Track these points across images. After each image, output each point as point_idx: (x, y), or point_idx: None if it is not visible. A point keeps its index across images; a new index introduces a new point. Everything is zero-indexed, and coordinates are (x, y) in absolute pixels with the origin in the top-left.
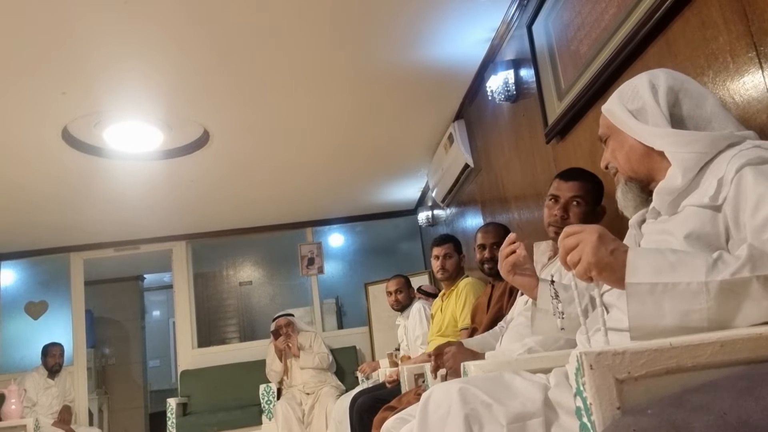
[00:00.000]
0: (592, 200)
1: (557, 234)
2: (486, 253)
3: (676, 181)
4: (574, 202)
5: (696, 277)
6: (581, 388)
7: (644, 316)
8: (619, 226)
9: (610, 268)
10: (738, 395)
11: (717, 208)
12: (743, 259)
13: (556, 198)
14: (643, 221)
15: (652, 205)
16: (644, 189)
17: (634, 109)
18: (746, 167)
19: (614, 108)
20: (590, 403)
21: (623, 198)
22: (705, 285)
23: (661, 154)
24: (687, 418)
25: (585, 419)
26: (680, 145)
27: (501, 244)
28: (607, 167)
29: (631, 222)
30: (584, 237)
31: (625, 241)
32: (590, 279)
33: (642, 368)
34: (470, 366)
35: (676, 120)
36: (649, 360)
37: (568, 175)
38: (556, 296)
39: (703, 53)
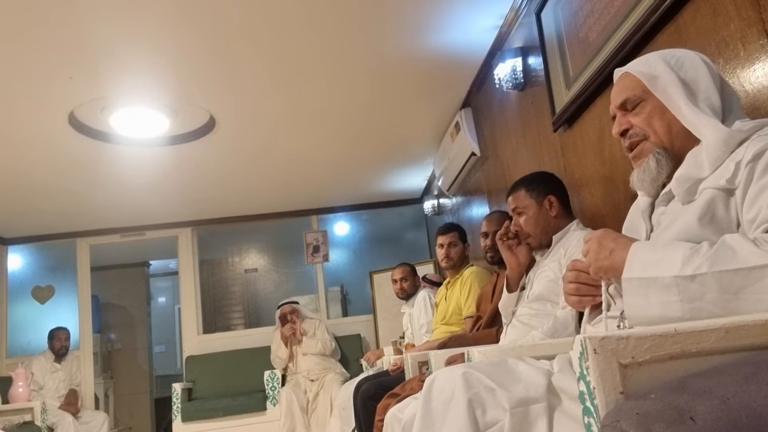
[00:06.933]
0: (535, 198)
1: (532, 241)
2: (488, 242)
3: (703, 172)
4: (516, 214)
5: (670, 271)
6: (585, 373)
7: (635, 306)
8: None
9: (613, 269)
10: (742, 380)
11: (731, 192)
12: (710, 254)
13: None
14: (652, 210)
15: (667, 188)
16: (678, 163)
17: (688, 79)
18: (766, 152)
19: (660, 73)
20: (593, 388)
21: (656, 168)
22: (675, 279)
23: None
24: (690, 402)
25: (588, 403)
26: (724, 143)
27: None
28: (624, 134)
29: (639, 207)
30: (589, 246)
31: (626, 223)
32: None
33: (646, 353)
34: (474, 352)
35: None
36: (653, 345)
37: (508, 193)
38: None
39: (714, 40)
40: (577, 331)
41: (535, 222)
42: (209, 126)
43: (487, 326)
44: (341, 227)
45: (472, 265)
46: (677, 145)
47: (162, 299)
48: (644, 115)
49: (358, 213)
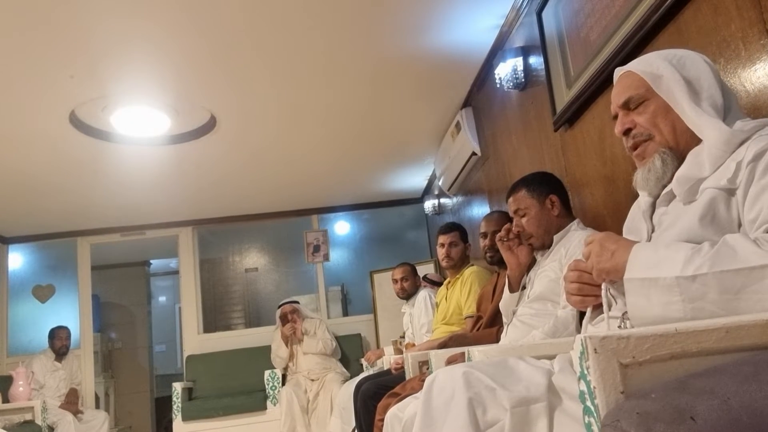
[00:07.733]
0: (536, 200)
1: (534, 241)
2: (487, 242)
3: (704, 172)
4: (517, 215)
5: (672, 272)
6: (585, 372)
7: (637, 306)
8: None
9: (615, 270)
10: (742, 380)
11: (732, 192)
12: (711, 254)
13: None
14: (653, 210)
15: (668, 188)
16: (682, 162)
17: (690, 77)
18: (767, 152)
19: (664, 72)
20: (594, 387)
21: (661, 168)
22: (676, 280)
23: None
24: (691, 402)
25: (589, 403)
26: (725, 143)
27: None
28: (627, 133)
29: (640, 207)
30: (591, 248)
31: (627, 223)
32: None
33: (646, 353)
34: (474, 351)
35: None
36: (654, 345)
37: (508, 193)
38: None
39: (715, 40)
40: (578, 330)
41: (538, 222)
42: (210, 125)
43: (487, 326)
44: (342, 227)
45: (472, 265)
46: (682, 145)
47: (162, 298)
48: (648, 115)
49: (358, 212)
